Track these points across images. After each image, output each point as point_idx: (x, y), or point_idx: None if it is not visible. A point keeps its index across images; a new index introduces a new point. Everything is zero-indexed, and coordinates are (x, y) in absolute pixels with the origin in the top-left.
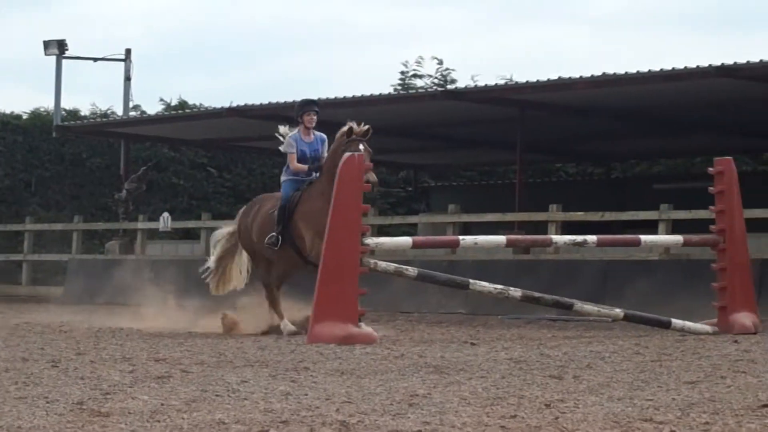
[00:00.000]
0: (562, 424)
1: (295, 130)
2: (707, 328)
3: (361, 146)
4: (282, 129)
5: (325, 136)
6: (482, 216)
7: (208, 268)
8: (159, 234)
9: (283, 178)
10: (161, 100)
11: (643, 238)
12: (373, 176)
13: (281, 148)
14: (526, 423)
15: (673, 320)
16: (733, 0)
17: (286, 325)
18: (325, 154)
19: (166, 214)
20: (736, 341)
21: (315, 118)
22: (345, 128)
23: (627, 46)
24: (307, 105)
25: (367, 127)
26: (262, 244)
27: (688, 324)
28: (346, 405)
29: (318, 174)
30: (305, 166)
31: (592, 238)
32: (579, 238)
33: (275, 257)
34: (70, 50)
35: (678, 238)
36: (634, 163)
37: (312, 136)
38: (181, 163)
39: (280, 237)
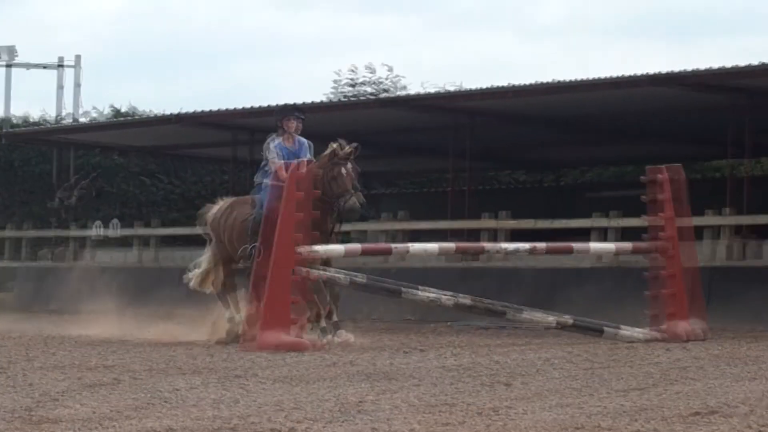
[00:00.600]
0: (510, 431)
1: (276, 137)
2: (641, 335)
3: (343, 169)
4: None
5: (308, 142)
6: (423, 223)
7: (198, 263)
8: (107, 241)
9: (261, 180)
10: (111, 106)
11: (592, 245)
12: (354, 201)
13: (258, 175)
14: (475, 429)
15: (622, 327)
16: (677, 9)
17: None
18: (308, 157)
19: (115, 221)
20: (668, 349)
21: (296, 124)
22: (329, 149)
23: (571, 54)
24: (287, 111)
25: (354, 146)
26: (236, 253)
27: (637, 330)
28: (294, 411)
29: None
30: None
31: (530, 245)
32: (517, 245)
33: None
34: (19, 56)
35: (627, 245)
36: (583, 170)
37: (295, 142)
38: (130, 170)
39: (261, 249)
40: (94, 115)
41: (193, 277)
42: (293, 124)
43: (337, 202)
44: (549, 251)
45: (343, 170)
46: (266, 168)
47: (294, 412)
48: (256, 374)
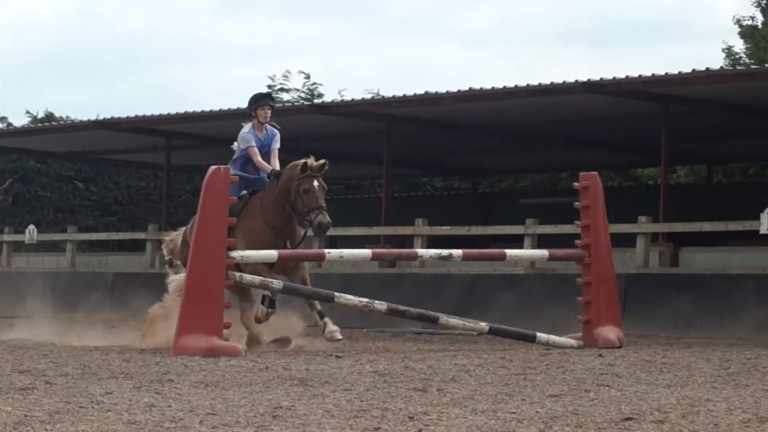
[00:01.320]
0: None
1: (249, 125)
2: (572, 342)
3: (315, 182)
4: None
5: (276, 132)
6: (348, 230)
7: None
8: (24, 246)
9: (233, 171)
10: (27, 112)
11: (509, 252)
12: (324, 218)
13: (235, 145)
14: None
15: (538, 334)
16: (601, 18)
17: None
18: (278, 146)
19: (31, 227)
20: (600, 355)
21: (269, 112)
22: (300, 162)
23: (496, 61)
24: (261, 99)
25: (322, 162)
26: None
27: (553, 338)
28: (210, 417)
29: (269, 179)
30: (268, 166)
31: (457, 252)
32: (444, 252)
33: None
34: None
35: (543, 253)
36: (501, 177)
37: (264, 130)
38: (48, 175)
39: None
40: (24, 121)
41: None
42: (264, 112)
43: (307, 216)
44: (466, 258)
45: (315, 183)
46: (235, 158)
47: (209, 417)
48: (172, 380)
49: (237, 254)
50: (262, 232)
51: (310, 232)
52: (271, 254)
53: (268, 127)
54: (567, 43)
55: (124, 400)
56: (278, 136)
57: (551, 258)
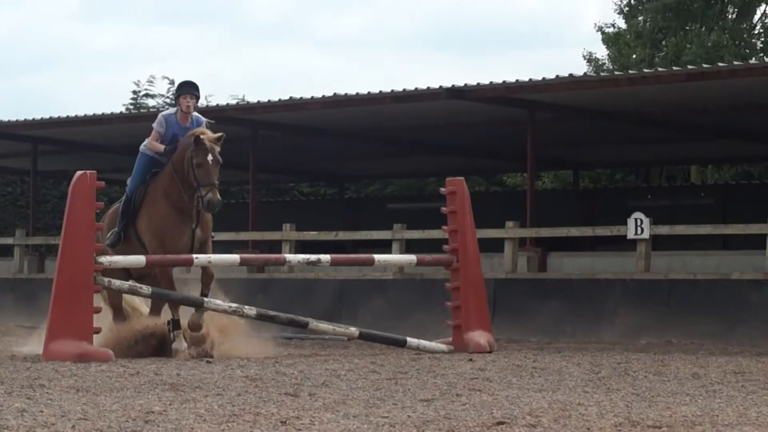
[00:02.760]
0: None
1: (173, 110)
2: (442, 346)
3: (209, 156)
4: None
5: (202, 119)
6: (216, 235)
7: None
8: None
9: (141, 147)
10: None
11: (377, 257)
12: (214, 196)
13: (146, 141)
14: None
15: (409, 339)
16: (465, 25)
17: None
18: None
19: None
20: (471, 360)
21: (192, 102)
22: (194, 131)
23: (363, 68)
24: (183, 87)
25: (219, 134)
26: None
27: (424, 342)
28: (81, 422)
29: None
30: (161, 147)
31: (326, 257)
32: (313, 257)
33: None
34: None
35: (412, 258)
36: (367, 183)
37: (189, 120)
38: None
39: (122, 234)
40: None
41: None
42: (186, 101)
43: (197, 193)
44: (335, 263)
45: (210, 157)
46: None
47: (81, 422)
48: (43, 385)
49: (105, 259)
50: (167, 217)
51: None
52: (139, 260)
53: (195, 115)
54: (435, 51)
55: None
56: (204, 124)
57: (419, 263)
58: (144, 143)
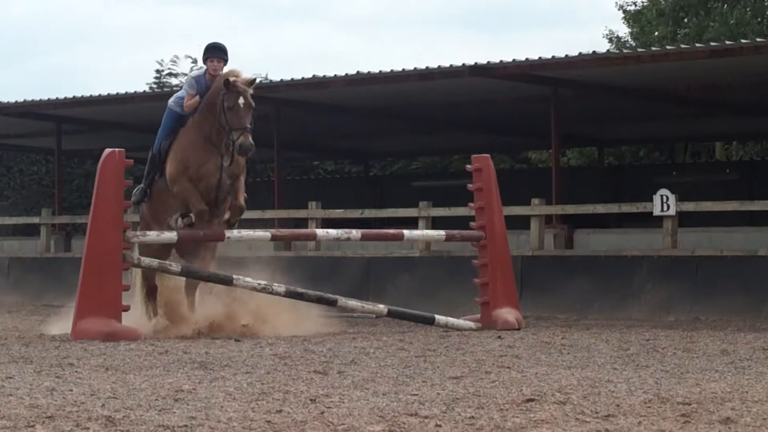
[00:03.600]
0: (328, 419)
1: (201, 70)
2: (471, 324)
3: (241, 100)
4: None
5: None
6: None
7: None
8: None
9: (170, 103)
10: None
11: (407, 233)
12: (246, 139)
13: (175, 97)
14: (292, 418)
15: (437, 316)
16: (487, 2)
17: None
18: None
19: None
20: (499, 337)
21: (221, 65)
22: (226, 74)
23: (385, 45)
24: (211, 51)
25: (251, 77)
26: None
27: (452, 320)
28: (111, 400)
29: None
30: (196, 99)
31: (356, 233)
32: (342, 233)
33: (147, 214)
34: None
35: (441, 234)
36: (392, 160)
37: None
38: None
39: (148, 190)
40: None
41: None
42: (213, 64)
43: (228, 137)
44: (365, 238)
45: (242, 101)
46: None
47: (111, 401)
48: (72, 364)
49: (134, 236)
50: (194, 143)
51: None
52: (171, 236)
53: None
54: (457, 29)
55: (25, 384)
56: None
57: (448, 239)
58: (172, 99)
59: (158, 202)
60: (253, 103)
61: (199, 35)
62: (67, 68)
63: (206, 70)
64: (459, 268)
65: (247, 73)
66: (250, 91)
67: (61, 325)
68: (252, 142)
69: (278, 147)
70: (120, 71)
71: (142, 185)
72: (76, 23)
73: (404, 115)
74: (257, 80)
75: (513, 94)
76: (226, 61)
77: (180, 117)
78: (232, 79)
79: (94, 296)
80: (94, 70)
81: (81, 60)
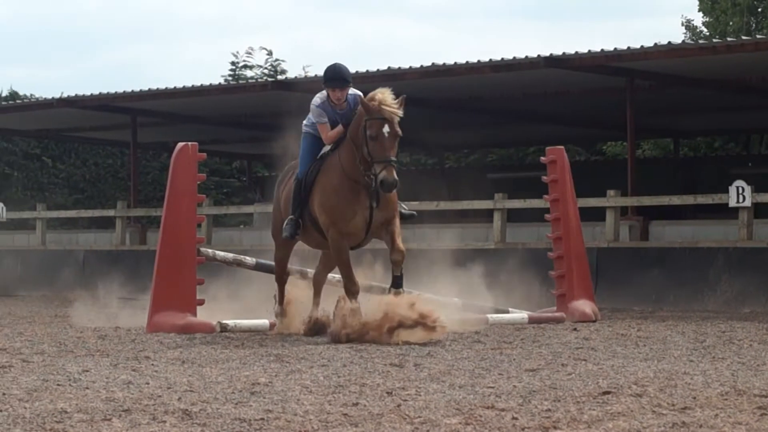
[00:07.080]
0: (404, 412)
1: (323, 95)
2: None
3: (385, 128)
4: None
5: (358, 94)
6: None
7: None
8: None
9: (303, 128)
10: None
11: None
12: (389, 174)
13: (308, 119)
14: (368, 411)
15: (511, 310)
16: None
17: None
18: None
19: (0, 205)
20: (575, 329)
21: (344, 93)
22: (367, 101)
23: (459, 37)
24: (330, 81)
25: (400, 98)
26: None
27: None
28: (187, 393)
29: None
30: (338, 129)
31: None
32: None
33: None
34: None
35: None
36: (467, 152)
37: (345, 101)
38: (14, 153)
39: (299, 221)
40: None
41: None
42: (336, 95)
43: (370, 171)
44: None
45: (386, 129)
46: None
47: (187, 394)
48: (148, 357)
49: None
50: (339, 190)
51: None
52: None
53: (349, 94)
54: (530, 20)
55: (101, 377)
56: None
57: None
58: (305, 122)
59: (309, 237)
60: (400, 132)
61: (273, 26)
62: (141, 61)
63: (327, 96)
64: (533, 260)
65: (392, 94)
66: (399, 115)
67: (137, 318)
68: (396, 177)
69: None
70: (194, 64)
71: (292, 216)
72: (148, 15)
73: (479, 107)
74: (404, 98)
75: (588, 85)
76: (349, 84)
77: (318, 140)
78: (375, 103)
79: (169, 290)
80: (168, 63)
81: (154, 53)
